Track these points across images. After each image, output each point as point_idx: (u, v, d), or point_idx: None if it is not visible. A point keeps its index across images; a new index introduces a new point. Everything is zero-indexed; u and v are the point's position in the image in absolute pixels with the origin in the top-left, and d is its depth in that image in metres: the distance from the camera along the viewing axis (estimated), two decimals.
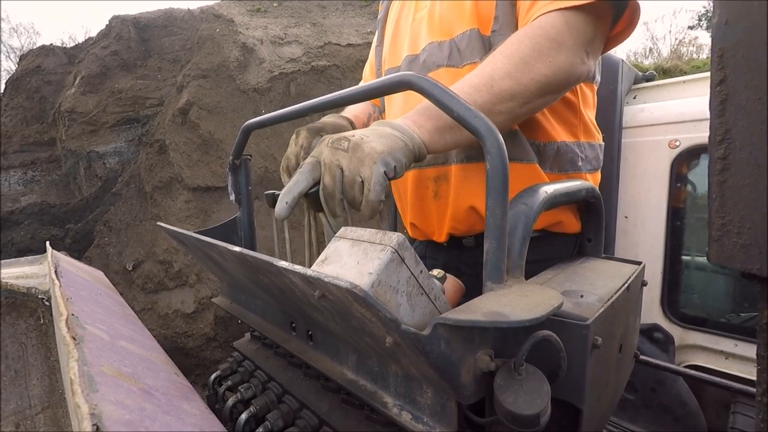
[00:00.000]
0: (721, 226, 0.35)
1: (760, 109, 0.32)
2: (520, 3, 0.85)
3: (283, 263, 0.52)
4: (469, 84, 0.75)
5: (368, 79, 1.35)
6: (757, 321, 0.36)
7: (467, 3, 0.91)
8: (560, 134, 0.93)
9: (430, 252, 1.13)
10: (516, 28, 0.86)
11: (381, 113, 1.27)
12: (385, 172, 0.63)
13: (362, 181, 0.64)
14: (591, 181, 0.97)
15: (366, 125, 1.22)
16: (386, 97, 1.18)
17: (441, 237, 1.02)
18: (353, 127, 1.06)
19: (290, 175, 0.88)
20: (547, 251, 0.92)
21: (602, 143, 1.04)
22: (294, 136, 0.93)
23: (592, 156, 0.99)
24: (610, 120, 2.04)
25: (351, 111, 1.23)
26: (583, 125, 0.97)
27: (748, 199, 0.33)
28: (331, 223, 0.69)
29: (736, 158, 0.34)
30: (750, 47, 0.33)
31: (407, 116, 0.73)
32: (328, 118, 1.04)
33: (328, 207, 0.68)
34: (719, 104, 0.35)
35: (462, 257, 1.03)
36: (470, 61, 0.91)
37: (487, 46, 0.89)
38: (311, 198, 0.70)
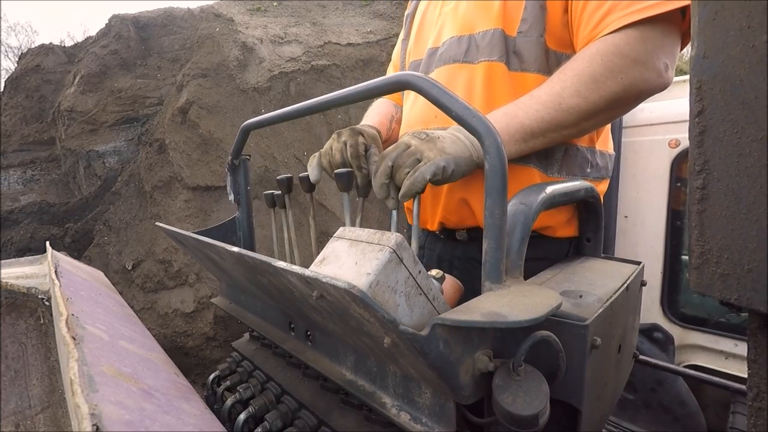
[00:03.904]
0: (701, 255, 0.36)
1: (737, 142, 0.33)
2: (580, 13, 0.81)
3: (281, 263, 0.52)
4: (537, 101, 0.77)
5: (391, 73, 1.35)
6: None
7: (495, 2, 0.91)
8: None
9: (429, 242, 1.14)
10: (544, 30, 0.86)
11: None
12: (444, 168, 0.68)
13: (419, 160, 0.69)
14: (597, 188, 0.96)
15: (390, 129, 1.23)
16: (404, 95, 1.20)
17: (433, 225, 1.03)
18: (381, 137, 1.08)
19: (332, 169, 0.91)
20: (541, 251, 0.91)
21: (613, 153, 1.02)
22: (335, 136, 0.96)
23: (602, 165, 0.98)
24: None
25: (373, 117, 1.23)
26: (602, 131, 0.96)
27: (726, 230, 0.34)
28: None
29: (714, 189, 0.34)
30: (727, 81, 0.33)
31: None
32: (365, 127, 1.04)
33: (377, 169, 0.73)
34: (698, 135, 0.36)
35: (455, 251, 1.03)
36: (486, 59, 0.91)
37: (511, 47, 0.89)
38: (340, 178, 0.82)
